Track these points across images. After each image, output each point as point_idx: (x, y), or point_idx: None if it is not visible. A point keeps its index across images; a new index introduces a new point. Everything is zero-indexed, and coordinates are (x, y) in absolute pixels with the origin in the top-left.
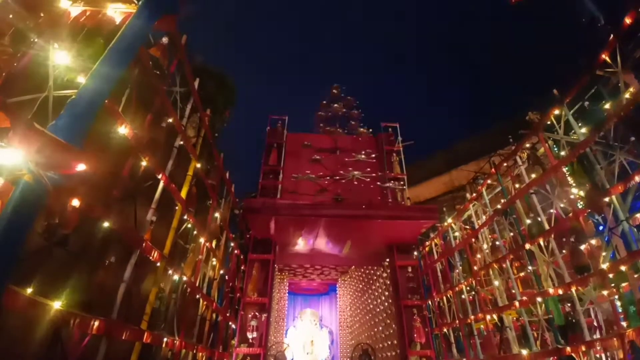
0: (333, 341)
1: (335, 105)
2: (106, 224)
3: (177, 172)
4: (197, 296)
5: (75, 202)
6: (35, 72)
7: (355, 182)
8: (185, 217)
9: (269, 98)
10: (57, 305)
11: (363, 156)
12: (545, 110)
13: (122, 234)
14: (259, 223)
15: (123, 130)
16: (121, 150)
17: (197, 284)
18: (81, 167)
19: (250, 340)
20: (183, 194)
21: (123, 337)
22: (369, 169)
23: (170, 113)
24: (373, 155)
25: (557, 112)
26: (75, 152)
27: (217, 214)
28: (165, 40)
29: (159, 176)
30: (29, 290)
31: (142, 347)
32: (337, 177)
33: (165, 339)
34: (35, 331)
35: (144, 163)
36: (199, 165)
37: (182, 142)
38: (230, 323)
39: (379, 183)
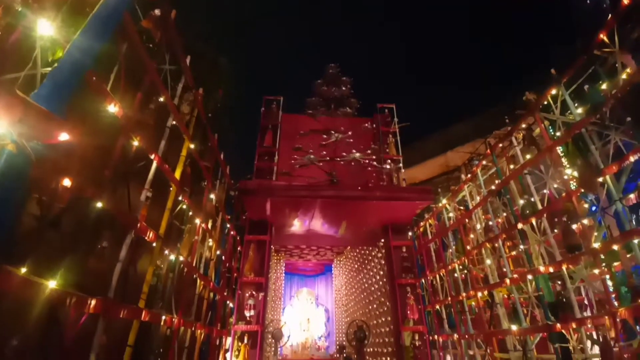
0: (329, 319)
1: (330, 87)
2: (99, 205)
3: (170, 153)
4: (195, 276)
5: (67, 182)
6: (23, 46)
7: (352, 164)
8: (180, 198)
9: (264, 78)
10: (52, 284)
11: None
12: (542, 91)
13: (116, 215)
14: (254, 205)
15: (112, 108)
16: (111, 129)
17: (194, 264)
18: (64, 136)
19: (248, 318)
20: (177, 174)
21: (121, 316)
22: (364, 151)
23: (161, 91)
24: (369, 139)
25: (554, 92)
26: (58, 121)
27: (212, 196)
28: (157, 12)
29: (152, 156)
30: (23, 270)
31: (141, 325)
32: (333, 159)
33: (163, 317)
34: (31, 311)
35: (135, 143)
36: (192, 146)
37: (174, 122)
38: (228, 302)
39: (375, 163)
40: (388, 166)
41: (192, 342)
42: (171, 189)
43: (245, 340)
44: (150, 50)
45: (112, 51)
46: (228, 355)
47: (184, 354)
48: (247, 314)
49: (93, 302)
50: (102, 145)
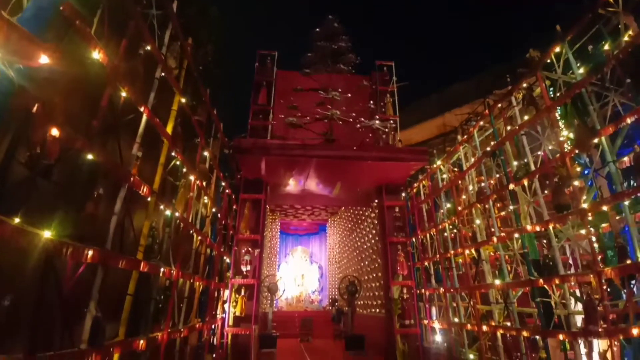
0: (322, 275)
1: (327, 41)
2: (90, 157)
3: (160, 107)
4: (191, 231)
5: (55, 132)
6: None
7: (349, 123)
8: (172, 154)
9: (258, 31)
10: (47, 234)
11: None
12: (546, 49)
13: (108, 168)
14: (249, 163)
15: (97, 55)
16: (97, 77)
17: (190, 220)
18: (44, 59)
19: (245, 273)
20: (168, 129)
21: (119, 266)
22: (361, 110)
23: (147, 39)
24: (366, 96)
25: (557, 49)
26: (38, 42)
27: (206, 153)
28: None
29: (141, 109)
30: (17, 220)
31: (140, 276)
32: (329, 118)
33: (162, 269)
34: (26, 260)
35: (123, 94)
36: (183, 100)
37: (163, 74)
38: (224, 257)
39: (374, 122)
40: (384, 127)
41: (191, 293)
42: (163, 143)
43: (243, 293)
44: None
45: None
46: (226, 306)
47: (184, 303)
48: (243, 268)
49: (90, 252)
50: (88, 94)
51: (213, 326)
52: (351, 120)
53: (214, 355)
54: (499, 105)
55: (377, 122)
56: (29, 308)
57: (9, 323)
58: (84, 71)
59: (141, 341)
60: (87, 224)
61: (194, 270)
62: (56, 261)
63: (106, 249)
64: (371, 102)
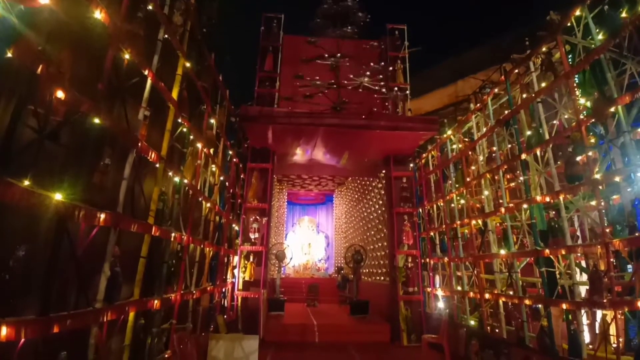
0: (329, 244)
1: (336, 2)
2: (97, 120)
3: (164, 72)
4: (200, 199)
5: (60, 94)
6: None
7: (359, 91)
8: (179, 120)
9: None
10: (58, 197)
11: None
12: (566, 13)
13: (115, 133)
14: (256, 132)
15: (98, 15)
16: (100, 39)
17: (198, 187)
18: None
19: (253, 240)
20: (174, 94)
21: (131, 229)
22: (370, 77)
23: None
24: (376, 63)
25: (578, 13)
26: None
27: (212, 120)
28: None
29: (145, 72)
30: (26, 183)
31: (152, 239)
32: (337, 85)
33: (173, 234)
34: (38, 224)
35: (126, 56)
36: (188, 65)
37: (166, 36)
38: (233, 225)
39: (381, 91)
40: (394, 94)
41: (202, 258)
42: (169, 109)
43: (251, 259)
44: None
45: None
46: (236, 271)
47: (195, 267)
48: (251, 236)
49: (102, 215)
50: (91, 56)
51: (224, 290)
52: (360, 89)
53: (225, 317)
54: (516, 71)
55: (387, 90)
56: (41, 270)
57: (22, 285)
58: (85, 32)
59: (155, 301)
60: (98, 188)
61: (204, 237)
62: (69, 223)
63: (118, 213)
64: (381, 66)
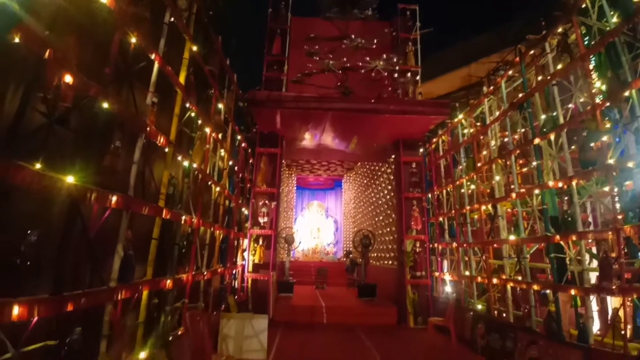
0: (337, 229)
1: None
2: (105, 105)
3: (171, 56)
4: (209, 183)
5: (68, 78)
6: None
7: (370, 74)
8: (187, 105)
9: None
10: (70, 179)
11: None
12: None
13: (124, 117)
14: (264, 116)
15: None
16: (105, 22)
17: (207, 172)
18: None
19: (262, 224)
20: (181, 79)
21: (143, 212)
22: (381, 60)
23: None
24: (386, 44)
25: None
26: None
27: (220, 105)
28: None
29: (152, 56)
30: (38, 166)
31: (163, 223)
32: (346, 68)
33: (183, 217)
34: (50, 206)
35: (133, 40)
36: (195, 48)
37: (172, 19)
38: (243, 209)
39: (395, 73)
40: (405, 77)
41: (212, 240)
42: (177, 94)
43: (260, 242)
44: None
45: None
46: (245, 254)
47: (206, 250)
48: (261, 220)
49: (114, 197)
50: (97, 40)
51: (234, 272)
52: (372, 73)
53: (236, 297)
54: (531, 52)
55: (398, 73)
56: (55, 252)
57: (34, 268)
58: (91, 15)
59: (168, 281)
60: (109, 171)
61: (214, 220)
62: (81, 206)
63: (129, 196)
64: (390, 51)
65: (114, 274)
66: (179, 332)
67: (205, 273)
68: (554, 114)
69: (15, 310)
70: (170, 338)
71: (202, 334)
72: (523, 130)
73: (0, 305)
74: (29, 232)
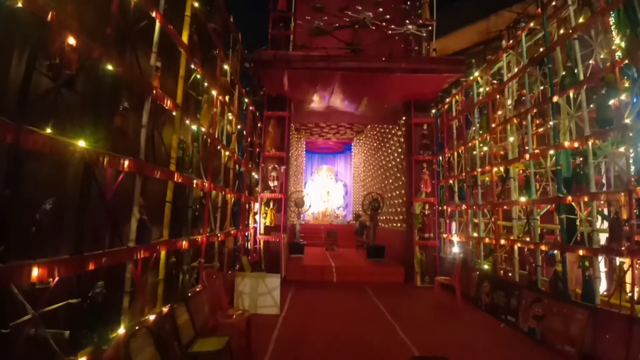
0: (347, 192)
1: None
2: (110, 67)
3: (173, 14)
4: (218, 147)
5: (72, 41)
6: None
7: (383, 30)
8: (192, 66)
9: None
10: (81, 143)
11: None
12: None
13: (129, 80)
14: (271, 77)
15: None
16: None
17: (216, 136)
18: None
19: (272, 188)
20: (184, 38)
21: (155, 175)
22: (393, 13)
23: None
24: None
25: None
26: None
27: (226, 66)
28: None
29: (153, 14)
30: (48, 131)
31: (175, 186)
32: (355, 23)
33: (195, 181)
34: (64, 170)
35: None
36: (196, 4)
37: None
38: (252, 173)
39: (408, 28)
40: (419, 32)
41: (224, 204)
42: (181, 54)
43: (271, 206)
44: None
45: None
46: (257, 217)
47: (218, 213)
48: (271, 184)
49: (126, 162)
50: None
51: (246, 234)
52: (384, 27)
53: (249, 258)
54: (553, 3)
55: (411, 27)
56: (73, 215)
57: (52, 233)
58: None
59: (184, 242)
60: (119, 133)
61: (225, 184)
62: (95, 169)
63: (141, 159)
64: (403, 3)
65: (132, 235)
66: (197, 289)
67: (218, 235)
68: (575, 70)
69: (35, 272)
70: (190, 294)
71: (218, 291)
72: (542, 88)
73: (19, 267)
74: (44, 201)
